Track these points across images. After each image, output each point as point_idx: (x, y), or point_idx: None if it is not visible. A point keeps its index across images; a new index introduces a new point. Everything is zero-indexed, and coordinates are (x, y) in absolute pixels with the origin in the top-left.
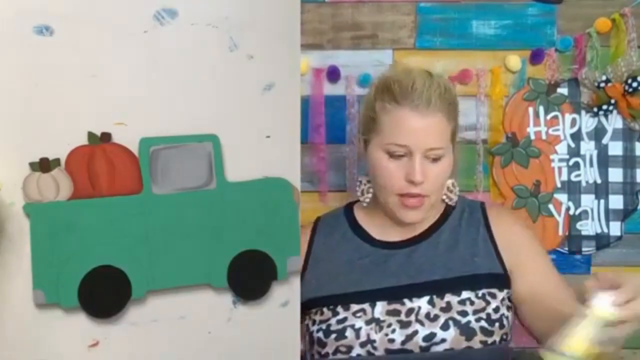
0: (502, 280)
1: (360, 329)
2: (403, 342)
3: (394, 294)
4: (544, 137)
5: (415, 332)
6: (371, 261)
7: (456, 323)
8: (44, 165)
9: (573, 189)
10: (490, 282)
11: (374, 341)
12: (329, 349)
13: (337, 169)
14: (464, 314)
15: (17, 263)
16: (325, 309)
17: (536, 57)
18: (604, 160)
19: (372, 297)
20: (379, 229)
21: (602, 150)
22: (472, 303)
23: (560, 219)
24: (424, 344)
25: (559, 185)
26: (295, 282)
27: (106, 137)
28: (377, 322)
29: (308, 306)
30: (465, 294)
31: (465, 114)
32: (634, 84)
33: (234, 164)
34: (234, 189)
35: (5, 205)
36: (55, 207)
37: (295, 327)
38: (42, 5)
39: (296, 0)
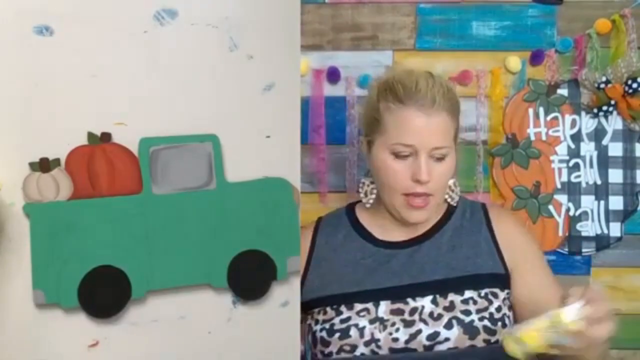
0: (503, 280)
1: (364, 328)
2: (407, 341)
3: (397, 294)
4: (544, 138)
5: (419, 331)
6: (374, 261)
7: (460, 322)
8: (44, 165)
9: (573, 190)
10: (492, 281)
11: (378, 340)
12: (333, 348)
13: (337, 170)
14: (467, 313)
15: (17, 263)
16: (328, 309)
17: (536, 58)
18: (604, 161)
19: (375, 296)
20: (381, 229)
21: (602, 151)
22: (475, 302)
23: (560, 220)
24: (427, 343)
25: (559, 186)
26: (295, 282)
27: (106, 137)
28: (381, 321)
29: (311, 306)
30: (468, 294)
31: (465, 115)
32: (634, 85)
33: (234, 164)
34: (234, 189)
35: (5, 205)
36: (55, 207)
37: (295, 327)
38: (42, 5)
39: (296, 0)
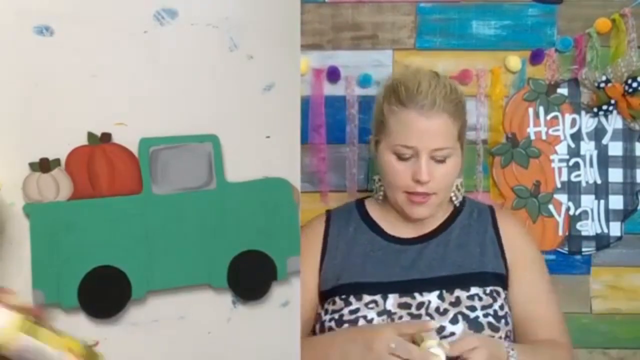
0: (503, 280)
1: (372, 320)
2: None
3: (405, 288)
4: (544, 137)
5: None
6: (384, 254)
7: (465, 317)
8: (44, 165)
9: (573, 189)
10: (496, 280)
11: None
12: None
13: (337, 170)
14: (472, 308)
15: (17, 263)
16: (337, 299)
17: (536, 58)
18: (604, 161)
19: (384, 289)
20: (391, 225)
21: (602, 151)
22: (480, 299)
23: (560, 220)
24: None
25: (559, 185)
26: (295, 282)
27: (106, 137)
28: (389, 314)
29: (324, 297)
30: (474, 290)
31: None
32: (634, 84)
33: (234, 164)
34: (234, 189)
35: (5, 205)
36: (55, 207)
37: (295, 327)
38: (42, 5)
39: (296, 0)
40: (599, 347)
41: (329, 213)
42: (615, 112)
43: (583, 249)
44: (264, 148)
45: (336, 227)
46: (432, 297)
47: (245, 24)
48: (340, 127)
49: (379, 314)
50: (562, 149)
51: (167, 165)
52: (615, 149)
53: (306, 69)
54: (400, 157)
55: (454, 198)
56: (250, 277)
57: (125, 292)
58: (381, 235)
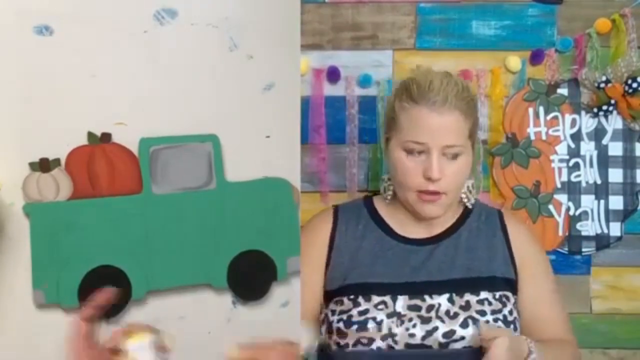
0: (513, 285)
1: (381, 321)
2: (423, 338)
3: (415, 289)
4: (544, 137)
5: (436, 328)
6: (393, 254)
7: (475, 322)
8: (44, 165)
9: (573, 190)
10: (505, 285)
11: (395, 335)
12: (350, 339)
13: (337, 170)
14: (482, 313)
15: (17, 263)
16: (345, 299)
17: (536, 58)
18: (604, 161)
19: (393, 290)
20: (400, 225)
21: (602, 151)
22: (490, 303)
23: (560, 220)
24: (443, 341)
25: (559, 185)
26: (296, 282)
27: (106, 137)
28: (399, 316)
29: (330, 296)
30: (484, 294)
31: None
32: (634, 85)
33: (234, 164)
34: (234, 189)
35: (5, 205)
36: (55, 207)
37: (295, 327)
38: (42, 5)
39: (296, 0)
40: (599, 347)
41: (336, 208)
42: (615, 112)
43: (583, 249)
44: (264, 148)
45: (344, 223)
46: (442, 300)
47: (245, 24)
48: (340, 127)
49: (389, 315)
50: (562, 149)
51: (167, 165)
52: (615, 149)
53: (306, 69)
54: (411, 153)
55: (465, 200)
56: (250, 277)
57: (125, 292)
58: (390, 235)
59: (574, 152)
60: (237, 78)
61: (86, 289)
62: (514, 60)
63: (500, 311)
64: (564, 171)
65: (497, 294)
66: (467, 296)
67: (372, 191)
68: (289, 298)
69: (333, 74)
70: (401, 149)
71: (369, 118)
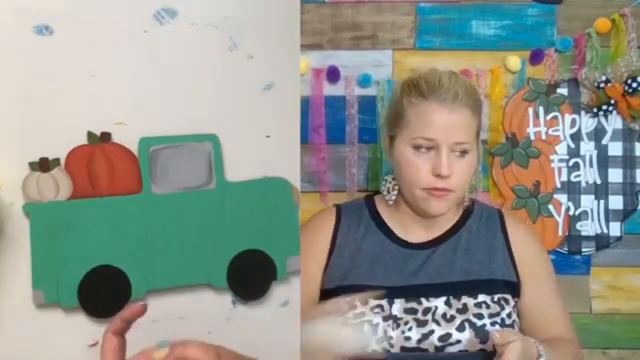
0: (515, 288)
1: (378, 325)
2: (419, 341)
3: (412, 293)
4: (544, 137)
5: (432, 332)
6: (392, 258)
7: (472, 325)
8: (44, 165)
9: (573, 190)
10: (505, 288)
11: (391, 338)
12: None
13: (337, 170)
14: (480, 317)
15: (17, 263)
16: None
17: (536, 58)
18: (604, 161)
19: (390, 293)
20: (401, 228)
21: (602, 151)
22: (488, 307)
23: (560, 220)
24: (439, 344)
25: (559, 185)
26: (296, 282)
27: (106, 137)
28: (395, 319)
29: (328, 296)
30: (482, 298)
31: None
32: (634, 85)
33: (234, 164)
34: (234, 189)
35: (5, 205)
36: (55, 207)
37: (295, 327)
38: (42, 5)
39: (296, 0)
40: (598, 347)
41: (338, 208)
42: (615, 112)
43: (583, 250)
44: (264, 148)
45: (347, 224)
46: (439, 303)
47: (245, 24)
48: (340, 127)
49: (385, 319)
50: (562, 149)
51: (167, 165)
52: (615, 149)
53: (306, 69)
54: (419, 150)
55: (465, 199)
56: (250, 277)
57: (125, 292)
58: (391, 238)
59: (574, 152)
60: (237, 78)
61: (86, 289)
62: (514, 60)
63: (498, 314)
64: (564, 171)
65: (496, 297)
66: (465, 299)
67: (372, 191)
68: (289, 298)
69: (333, 74)
70: (409, 145)
71: (369, 118)
